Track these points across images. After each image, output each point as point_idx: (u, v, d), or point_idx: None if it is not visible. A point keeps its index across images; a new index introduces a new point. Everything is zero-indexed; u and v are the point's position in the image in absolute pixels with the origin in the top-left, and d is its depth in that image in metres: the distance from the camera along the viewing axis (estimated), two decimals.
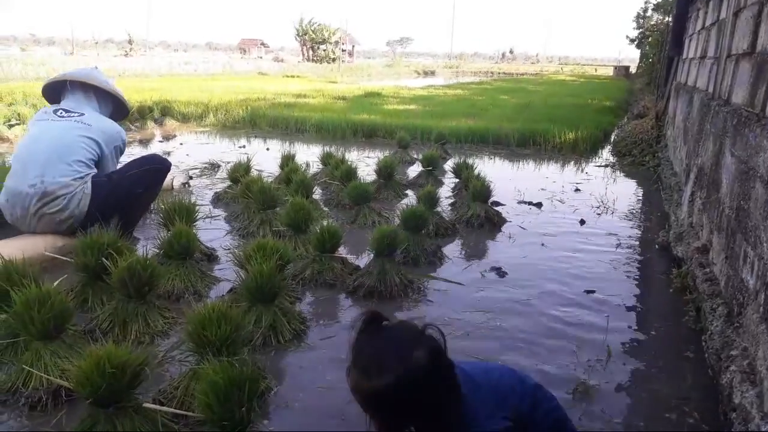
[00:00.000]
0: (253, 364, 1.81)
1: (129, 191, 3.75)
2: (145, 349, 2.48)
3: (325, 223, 3.60)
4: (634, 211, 5.27)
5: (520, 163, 7.69)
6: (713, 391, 2.33)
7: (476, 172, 5.32)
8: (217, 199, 5.14)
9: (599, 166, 7.54)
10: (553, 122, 9.24)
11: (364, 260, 3.62)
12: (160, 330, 2.68)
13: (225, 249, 3.88)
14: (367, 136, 9.15)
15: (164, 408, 1.97)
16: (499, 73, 44.44)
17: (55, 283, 2.46)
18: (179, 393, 2.12)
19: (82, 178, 3.53)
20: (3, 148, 7.15)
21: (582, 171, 7.16)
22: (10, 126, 7.91)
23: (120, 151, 3.94)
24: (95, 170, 3.66)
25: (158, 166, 4.02)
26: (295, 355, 2.58)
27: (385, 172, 5.49)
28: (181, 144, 8.36)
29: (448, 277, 3.51)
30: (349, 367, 1.30)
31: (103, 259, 2.86)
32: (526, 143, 8.59)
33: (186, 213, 3.64)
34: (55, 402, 2.14)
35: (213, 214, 4.71)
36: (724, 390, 2.14)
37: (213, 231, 4.26)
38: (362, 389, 1.26)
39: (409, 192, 5.64)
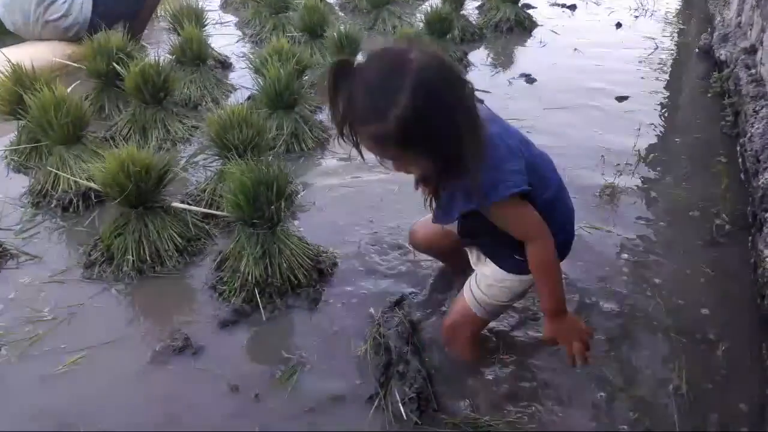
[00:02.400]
0: (279, 167, 1.77)
1: None
2: (167, 154, 2.45)
3: (342, 27, 3.36)
4: (675, 14, 4.87)
5: None
6: (744, 194, 2.29)
7: None
8: (226, 4, 4.81)
9: None
10: None
11: None
12: (181, 136, 2.64)
13: (238, 56, 3.70)
14: None
15: (193, 207, 1.99)
16: None
17: (69, 89, 2.37)
18: (206, 195, 2.13)
19: None
20: None
21: None
22: None
23: None
24: None
25: None
26: (319, 162, 2.56)
27: None
28: None
29: (475, 84, 3.34)
30: (340, 122, 1.13)
31: (114, 64, 2.74)
32: None
33: (195, 17, 3.41)
34: (86, 204, 2.18)
35: (223, 20, 4.44)
36: (757, 192, 2.09)
37: (224, 37, 4.03)
38: (371, 136, 1.12)
39: None
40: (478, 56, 3.81)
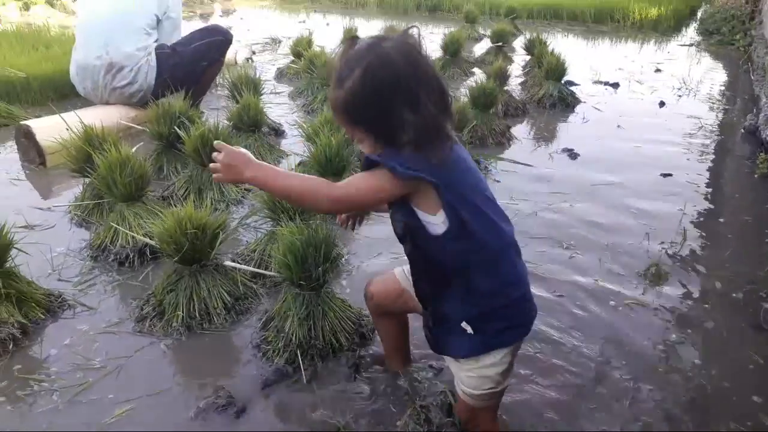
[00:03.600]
0: (326, 231, 1.83)
1: (194, 63, 3.72)
2: (221, 214, 2.56)
3: None
4: (719, 94, 4.90)
5: (597, 40, 7.19)
6: None
7: (550, 48, 5.01)
8: (280, 75, 5.08)
9: (683, 45, 6.97)
10: None
11: None
12: (234, 198, 2.76)
13: (290, 124, 3.87)
14: (431, 10, 8.71)
15: (244, 266, 2.06)
16: None
17: (133, 150, 2.53)
18: (256, 255, 2.20)
19: (145, 48, 3.51)
20: (72, 20, 7.19)
21: (664, 50, 6.64)
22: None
23: (175, 17, 3.82)
24: (156, 39, 3.61)
25: (221, 37, 3.94)
26: (364, 227, 2.62)
27: (452, 47, 5.25)
28: (241, 19, 8.20)
29: (517, 157, 3.42)
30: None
31: (176, 128, 2.91)
32: (603, 19, 7.98)
33: (252, 86, 3.62)
34: (141, 259, 2.27)
35: (277, 90, 4.67)
36: None
37: (278, 106, 4.24)
38: (331, 101, 1.19)
39: (476, 70, 5.40)
40: (521, 130, 3.89)
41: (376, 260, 2.35)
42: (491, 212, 1.24)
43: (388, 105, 1.13)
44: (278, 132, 3.68)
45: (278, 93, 4.61)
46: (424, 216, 1.21)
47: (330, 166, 2.67)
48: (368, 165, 1.19)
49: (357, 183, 1.21)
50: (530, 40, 5.39)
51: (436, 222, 1.20)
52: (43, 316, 1.93)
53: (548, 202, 2.85)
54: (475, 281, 1.23)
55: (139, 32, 3.51)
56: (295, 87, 4.64)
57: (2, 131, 3.56)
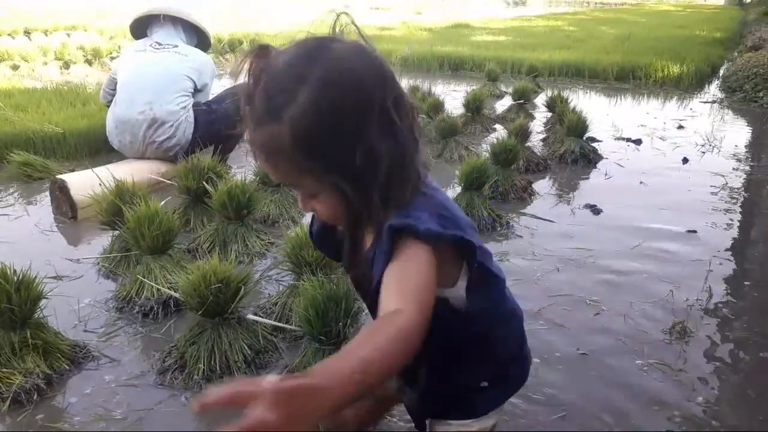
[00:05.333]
0: (348, 285, 1.85)
1: (227, 120, 3.86)
2: (245, 267, 2.60)
3: None
4: (744, 151, 4.89)
5: (618, 98, 7.26)
6: None
7: (571, 105, 5.07)
8: None
9: (705, 102, 7.00)
10: (656, 55, 8.59)
11: (450, 194, 3.60)
12: (258, 251, 2.80)
13: None
14: (454, 69, 8.91)
15: (266, 320, 2.07)
16: (596, 3, 41.58)
17: (161, 204, 2.61)
18: (277, 309, 2.22)
19: (185, 107, 3.69)
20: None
21: (686, 107, 6.67)
22: (113, 59, 8.30)
23: (209, 84, 4.04)
24: (193, 99, 3.80)
25: None
26: None
27: (474, 105, 5.34)
28: None
29: (539, 213, 3.43)
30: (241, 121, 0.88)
31: (204, 183, 3.00)
32: (625, 77, 8.09)
33: None
34: (165, 311, 2.31)
35: None
36: None
37: None
38: (262, 143, 0.84)
39: (498, 126, 5.48)
40: (543, 186, 3.91)
41: None
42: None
43: (358, 132, 0.82)
44: None
45: None
46: (442, 291, 0.94)
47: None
48: (391, 240, 0.85)
49: (412, 285, 0.83)
50: (551, 98, 5.47)
51: (458, 293, 0.98)
52: (67, 367, 1.96)
53: (571, 258, 2.84)
54: (493, 337, 1.13)
55: (182, 92, 3.70)
56: None
57: (37, 184, 3.69)
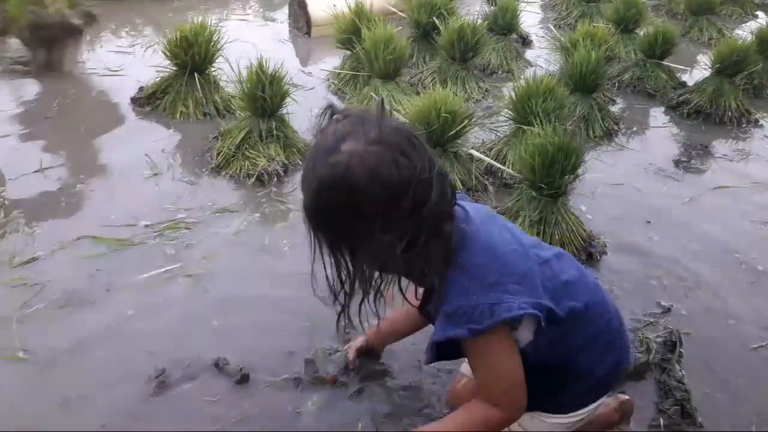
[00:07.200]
0: (579, 141, 1.77)
1: None
2: (469, 106, 2.58)
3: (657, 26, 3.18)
4: None
5: None
6: None
7: None
8: None
9: None
10: None
11: (690, 77, 3.23)
12: (475, 97, 2.77)
13: (538, 36, 3.73)
14: None
15: (486, 158, 2.08)
16: None
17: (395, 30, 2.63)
18: (492, 154, 2.22)
19: None
20: None
21: None
22: None
23: None
24: None
25: None
26: (604, 152, 2.50)
27: None
28: None
29: None
30: None
31: (434, 18, 2.96)
32: None
33: None
34: None
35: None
36: None
37: (530, 15, 4.07)
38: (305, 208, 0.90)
39: (760, 14, 4.65)
40: None
41: (609, 188, 2.23)
42: (561, 272, 1.00)
43: (353, 231, 0.87)
44: (526, 41, 3.56)
45: (530, 2, 4.41)
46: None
47: (582, 83, 2.54)
48: (476, 332, 0.90)
49: (500, 369, 0.96)
50: None
51: (522, 336, 0.99)
52: (299, 161, 2.16)
53: None
54: (575, 362, 1.03)
55: None
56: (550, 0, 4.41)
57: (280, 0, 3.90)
